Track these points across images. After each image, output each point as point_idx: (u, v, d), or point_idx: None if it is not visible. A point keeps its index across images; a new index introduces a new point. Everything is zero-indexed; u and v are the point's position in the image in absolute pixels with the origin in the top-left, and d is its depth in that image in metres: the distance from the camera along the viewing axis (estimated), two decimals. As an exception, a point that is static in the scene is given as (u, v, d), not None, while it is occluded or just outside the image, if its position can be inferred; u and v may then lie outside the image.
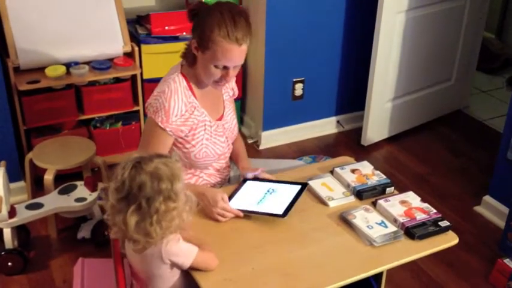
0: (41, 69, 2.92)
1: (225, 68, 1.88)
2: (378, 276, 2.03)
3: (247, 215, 1.85)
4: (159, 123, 1.89)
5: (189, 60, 1.96)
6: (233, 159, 2.20)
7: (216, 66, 1.87)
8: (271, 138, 3.56)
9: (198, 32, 1.87)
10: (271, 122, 3.56)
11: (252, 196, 1.92)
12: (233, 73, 1.91)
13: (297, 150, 3.52)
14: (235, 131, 2.14)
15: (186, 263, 1.61)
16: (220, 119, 2.06)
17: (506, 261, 2.53)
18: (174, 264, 1.63)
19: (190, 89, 1.96)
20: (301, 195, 1.90)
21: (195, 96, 1.97)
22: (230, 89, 2.15)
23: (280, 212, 1.82)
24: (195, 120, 1.96)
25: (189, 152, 1.99)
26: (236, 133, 2.16)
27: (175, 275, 1.66)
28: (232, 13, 1.85)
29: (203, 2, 1.96)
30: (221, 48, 1.83)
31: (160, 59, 3.15)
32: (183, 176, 1.59)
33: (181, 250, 1.60)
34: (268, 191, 1.93)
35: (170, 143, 1.95)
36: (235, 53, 1.85)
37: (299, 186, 1.94)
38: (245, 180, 2.02)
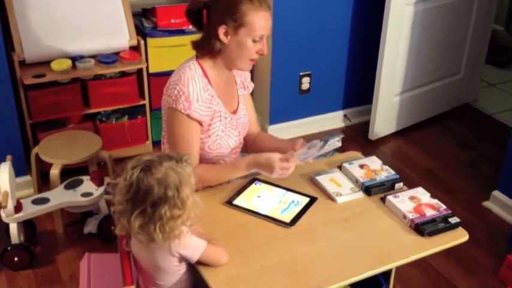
0: (46, 63, 2.91)
1: (261, 39, 1.89)
2: (386, 273, 2.01)
3: (254, 214, 1.83)
4: (182, 111, 1.86)
5: (211, 54, 1.93)
6: (264, 147, 2.10)
7: (254, 41, 1.87)
8: (278, 132, 3.54)
9: (225, 14, 1.85)
10: (278, 116, 3.54)
11: (267, 200, 1.89)
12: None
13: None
14: (247, 126, 2.12)
15: (195, 256, 1.60)
16: (234, 112, 2.05)
17: (516, 257, 2.52)
18: (182, 258, 1.62)
19: (206, 76, 1.94)
20: (309, 208, 1.87)
21: (211, 85, 1.95)
22: (248, 83, 2.14)
23: (288, 221, 1.80)
24: (212, 109, 1.94)
25: (204, 142, 1.96)
26: (247, 129, 2.14)
27: (181, 269, 1.65)
28: None
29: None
30: (258, 18, 1.85)
31: (166, 53, 3.13)
32: (193, 181, 1.58)
33: (190, 243, 1.60)
34: (292, 202, 1.89)
35: (199, 130, 1.92)
36: (268, 19, 1.89)
37: (308, 199, 1.91)
38: (254, 179, 1.99)
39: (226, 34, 1.88)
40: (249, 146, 2.17)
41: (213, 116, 1.95)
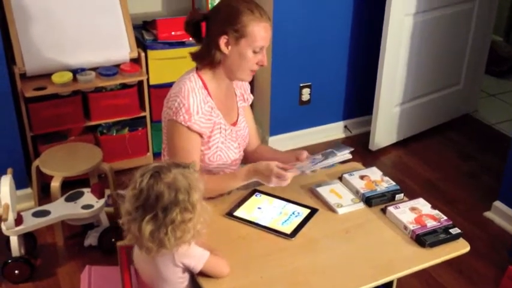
0: (47, 76, 2.92)
1: (261, 50, 1.90)
2: (387, 284, 2.00)
3: (254, 225, 1.83)
4: (182, 123, 1.87)
5: (210, 65, 1.94)
6: (264, 159, 2.05)
7: (254, 51, 1.88)
8: (278, 143, 3.54)
9: (226, 25, 1.87)
10: (278, 127, 3.54)
11: (267, 212, 1.89)
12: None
13: (304, 156, 3.50)
14: (247, 138, 2.13)
15: (198, 266, 1.60)
16: (234, 124, 2.05)
17: (518, 267, 2.51)
18: (185, 268, 1.62)
19: (206, 88, 1.95)
20: (310, 219, 1.87)
21: (211, 97, 1.95)
22: (248, 95, 2.15)
23: (289, 232, 1.80)
24: (212, 121, 1.94)
25: (204, 154, 1.97)
26: (247, 141, 2.14)
27: (184, 282, 1.65)
28: None
29: (198, 11, 1.97)
30: (259, 29, 1.86)
31: (166, 65, 3.14)
32: (201, 186, 1.58)
33: (193, 252, 1.60)
34: (293, 213, 1.89)
35: (199, 142, 1.93)
36: (269, 30, 1.90)
37: (309, 210, 1.91)
38: (255, 191, 1.99)
39: (227, 44, 1.89)
40: (249, 158, 2.17)
41: (213, 128, 1.96)
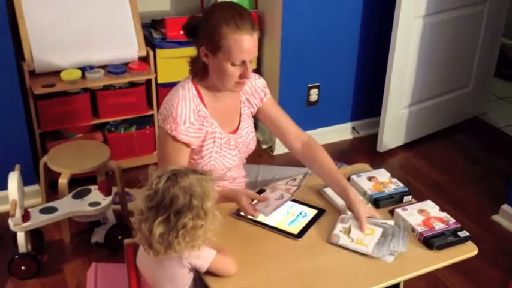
0: (56, 73, 2.93)
1: (243, 63, 1.82)
2: (394, 286, 1.98)
3: (261, 225, 1.83)
4: (169, 131, 1.85)
5: (200, 74, 1.90)
6: (326, 180, 1.97)
7: (233, 64, 1.80)
8: (285, 143, 3.53)
9: (206, 36, 1.81)
10: (286, 127, 3.52)
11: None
12: (251, 68, 1.84)
13: (311, 156, 3.49)
14: (250, 145, 2.07)
15: (205, 265, 1.60)
16: (234, 132, 2.00)
17: (525, 272, 2.49)
18: (192, 268, 1.62)
19: (200, 97, 1.90)
20: (317, 220, 1.86)
21: (205, 105, 1.91)
22: (255, 98, 2.04)
23: (296, 232, 1.79)
24: (204, 131, 1.90)
25: (197, 163, 1.94)
26: (253, 147, 2.08)
27: (188, 280, 1.65)
28: (235, 7, 1.82)
29: (196, 15, 1.91)
30: (234, 42, 1.76)
31: (175, 64, 3.14)
32: (215, 195, 1.58)
33: (200, 253, 1.59)
34: (300, 214, 1.88)
35: (186, 151, 1.90)
36: (249, 43, 1.78)
37: (316, 211, 1.90)
38: (262, 191, 1.97)
39: (206, 56, 1.84)
40: (299, 157, 2.07)
41: (205, 137, 1.92)
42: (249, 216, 1.83)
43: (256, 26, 1.83)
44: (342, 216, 1.83)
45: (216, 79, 1.87)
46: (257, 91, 2.05)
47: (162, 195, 1.52)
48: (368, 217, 1.80)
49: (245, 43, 1.78)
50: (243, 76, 1.84)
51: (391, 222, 1.77)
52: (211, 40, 1.80)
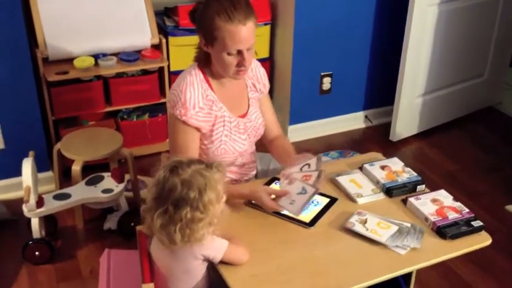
0: (69, 61, 2.94)
1: (239, 52, 1.82)
2: (406, 275, 1.99)
3: (273, 213, 1.82)
4: (178, 117, 1.86)
5: (203, 61, 1.92)
6: (279, 158, 2.07)
7: (229, 54, 1.81)
8: (298, 132, 3.53)
9: (202, 26, 1.84)
10: (298, 116, 3.52)
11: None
12: (249, 56, 1.84)
13: (324, 145, 3.48)
14: (260, 129, 2.08)
15: (218, 256, 1.60)
16: (243, 116, 2.01)
17: (539, 262, 2.47)
18: (205, 259, 1.62)
19: (208, 82, 1.92)
20: (329, 209, 1.86)
21: (213, 90, 1.93)
22: (261, 85, 2.08)
23: (308, 221, 1.79)
24: (213, 115, 1.92)
25: (207, 148, 1.95)
26: (262, 131, 2.09)
27: (202, 271, 1.65)
28: None
29: (201, 1, 1.90)
30: (228, 33, 1.77)
31: (187, 51, 3.07)
32: (220, 187, 1.56)
33: (212, 243, 1.60)
34: (312, 202, 1.86)
35: (197, 136, 1.91)
36: (242, 34, 1.78)
37: (328, 199, 1.90)
38: (274, 179, 1.98)
39: (206, 46, 1.86)
40: (267, 146, 2.15)
41: (215, 121, 1.93)
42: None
43: (252, 14, 1.82)
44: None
45: (218, 65, 1.89)
46: (261, 78, 2.09)
47: (162, 186, 1.52)
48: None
49: (239, 34, 1.78)
50: (240, 64, 1.85)
51: (408, 224, 1.76)
52: (207, 31, 1.82)
